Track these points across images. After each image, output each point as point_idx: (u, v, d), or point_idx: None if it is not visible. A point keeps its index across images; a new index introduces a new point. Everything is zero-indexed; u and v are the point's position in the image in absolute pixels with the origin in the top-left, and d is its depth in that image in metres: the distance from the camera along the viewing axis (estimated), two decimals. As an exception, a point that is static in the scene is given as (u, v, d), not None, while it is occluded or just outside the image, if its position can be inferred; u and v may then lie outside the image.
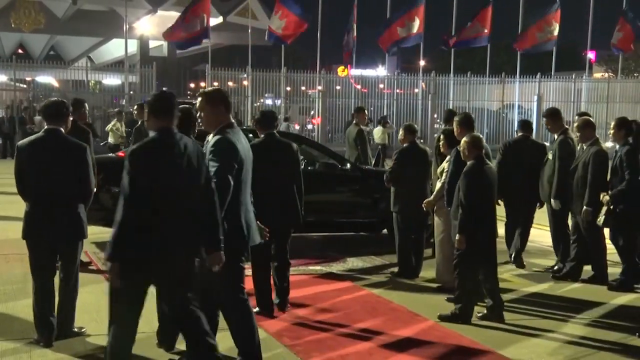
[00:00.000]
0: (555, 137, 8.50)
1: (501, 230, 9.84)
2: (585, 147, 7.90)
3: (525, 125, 9.09)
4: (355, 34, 30.46)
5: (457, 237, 6.39)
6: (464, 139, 6.62)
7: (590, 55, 38.54)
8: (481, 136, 6.78)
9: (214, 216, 4.44)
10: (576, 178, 7.87)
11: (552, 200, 8.23)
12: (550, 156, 8.38)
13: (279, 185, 6.46)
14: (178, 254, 4.35)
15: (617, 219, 7.58)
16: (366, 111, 14.43)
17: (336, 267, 8.53)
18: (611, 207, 7.55)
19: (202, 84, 34.97)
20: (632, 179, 7.47)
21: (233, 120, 4.97)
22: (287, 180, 6.53)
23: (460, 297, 6.45)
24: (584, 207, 7.73)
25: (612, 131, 7.86)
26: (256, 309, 6.45)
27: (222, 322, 5.88)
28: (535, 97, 31.23)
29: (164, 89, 30.82)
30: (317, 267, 8.50)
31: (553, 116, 8.61)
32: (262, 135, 6.61)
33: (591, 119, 8.31)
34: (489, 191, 6.47)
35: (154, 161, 4.28)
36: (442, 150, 7.72)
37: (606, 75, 46.88)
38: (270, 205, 6.25)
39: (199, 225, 4.39)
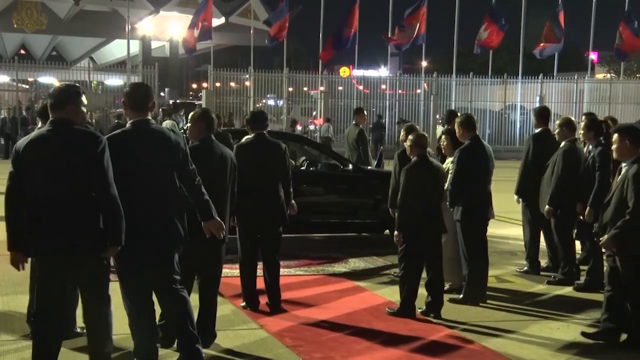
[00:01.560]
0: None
1: (514, 231, 9.86)
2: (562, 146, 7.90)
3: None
4: (357, 33, 30.44)
5: (395, 233, 6.49)
6: (410, 137, 6.70)
7: (593, 56, 38.48)
8: (425, 135, 6.84)
9: (106, 213, 4.37)
10: (545, 176, 7.87)
11: (514, 195, 8.29)
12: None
13: (265, 185, 6.54)
14: (51, 245, 4.33)
15: (588, 230, 7.29)
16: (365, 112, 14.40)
17: (338, 268, 8.53)
18: (581, 218, 7.41)
19: (205, 85, 34.96)
20: (603, 180, 7.30)
21: (149, 117, 4.78)
22: (274, 180, 6.59)
23: (407, 298, 6.51)
24: (546, 205, 7.70)
25: (581, 132, 7.78)
26: (242, 304, 6.60)
27: (221, 323, 5.89)
28: (538, 98, 31.19)
29: (166, 89, 30.91)
30: (319, 268, 8.50)
31: (543, 112, 8.60)
32: (252, 135, 6.69)
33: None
34: (429, 188, 6.49)
35: (25, 151, 4.32)
36: (444, 151, 7.70)
37: (608, 76, 46.82)
38: (255, 203, 6.42)
39: (73, 219, 4.33)
